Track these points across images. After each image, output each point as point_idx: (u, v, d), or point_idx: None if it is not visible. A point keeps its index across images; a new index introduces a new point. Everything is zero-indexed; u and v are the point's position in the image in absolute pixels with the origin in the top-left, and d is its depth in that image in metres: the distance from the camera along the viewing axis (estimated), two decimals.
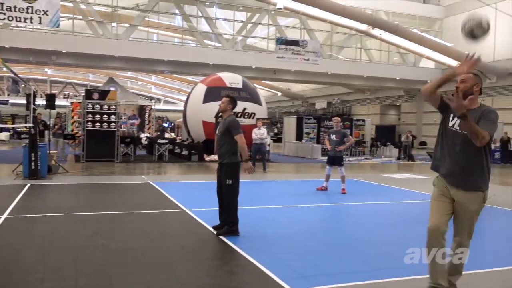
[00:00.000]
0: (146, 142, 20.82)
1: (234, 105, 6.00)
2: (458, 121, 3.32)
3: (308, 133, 23.99)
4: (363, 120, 26.73)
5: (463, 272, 4.26)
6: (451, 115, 3.46)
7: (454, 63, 27.88)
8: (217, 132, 6.06)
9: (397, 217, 7.48)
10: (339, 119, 10.54)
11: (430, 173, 14.28)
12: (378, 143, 25.40)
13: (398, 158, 22.33)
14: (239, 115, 17.53)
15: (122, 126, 21.09)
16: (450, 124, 3.46)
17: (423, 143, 32.29)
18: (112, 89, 20.30)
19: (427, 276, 4.37)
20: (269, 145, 18.23)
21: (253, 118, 18.21)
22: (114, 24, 27.54)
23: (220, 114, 6.56)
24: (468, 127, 3.16)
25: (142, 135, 22.34)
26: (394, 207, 8.62)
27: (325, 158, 11.48)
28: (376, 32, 26.41)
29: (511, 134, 22.95)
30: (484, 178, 3.49)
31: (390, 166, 18.42)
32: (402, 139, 23.29)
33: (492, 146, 22.75)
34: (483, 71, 28.09)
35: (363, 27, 26.09)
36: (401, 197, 9.93)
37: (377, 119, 38.03)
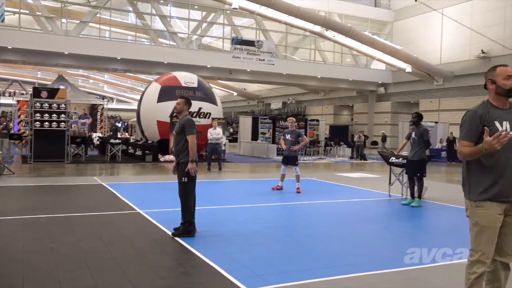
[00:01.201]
0: (98, 142, 20.30)
1: (190, 105, 6.06)
2: (508, 124, 2.97)
3: (263, 133, 24.17)
4: (317, 120, 27.26)
5: (413, 268, 4.45)
6: (496, 123, 2.96)
7: (403, 65, 28.93)
8: (174, 131, 6.05)
9: (350, 215, 7.66)
10: (294, 119, 10.70)
11: (381, 172, 14.76)
12: (332, 142, 25.93)
13: (351, 158, 22.88)
14: (194, 115, 17.39)
15: (73, 125, 20.47)
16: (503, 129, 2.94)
17: (374, 143, 33.24)
18: (61, 87, 19.68)
19: (377, 272, 4.52)
20: (224, 145, 18.22)
21: (208, 118, 18.13)
22: (63, 20, 26.61)
23: (175, 114, 6.52)
24: None
25: (94, 135, 21.76)
26: (348, 205, 8.83)
27: (280, 158, 11.60)
28: (330, 34, 26.98)
29: (456, 134, 23.99)
30: None
31: (343, 165, 18.85)
32: (355, 139, 23.87)
33: (439, 145, 23.43)
34: (430, 74, 29.36)
35: (317, 28, 26.59)
36: (354, 195, 10.17)
37: (331, 119, 38.82)
